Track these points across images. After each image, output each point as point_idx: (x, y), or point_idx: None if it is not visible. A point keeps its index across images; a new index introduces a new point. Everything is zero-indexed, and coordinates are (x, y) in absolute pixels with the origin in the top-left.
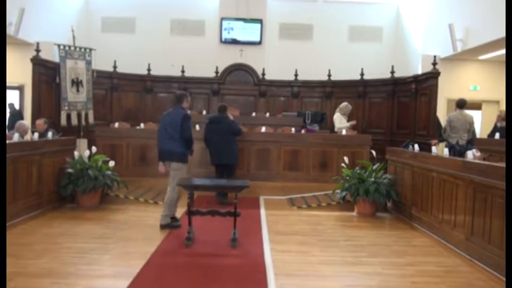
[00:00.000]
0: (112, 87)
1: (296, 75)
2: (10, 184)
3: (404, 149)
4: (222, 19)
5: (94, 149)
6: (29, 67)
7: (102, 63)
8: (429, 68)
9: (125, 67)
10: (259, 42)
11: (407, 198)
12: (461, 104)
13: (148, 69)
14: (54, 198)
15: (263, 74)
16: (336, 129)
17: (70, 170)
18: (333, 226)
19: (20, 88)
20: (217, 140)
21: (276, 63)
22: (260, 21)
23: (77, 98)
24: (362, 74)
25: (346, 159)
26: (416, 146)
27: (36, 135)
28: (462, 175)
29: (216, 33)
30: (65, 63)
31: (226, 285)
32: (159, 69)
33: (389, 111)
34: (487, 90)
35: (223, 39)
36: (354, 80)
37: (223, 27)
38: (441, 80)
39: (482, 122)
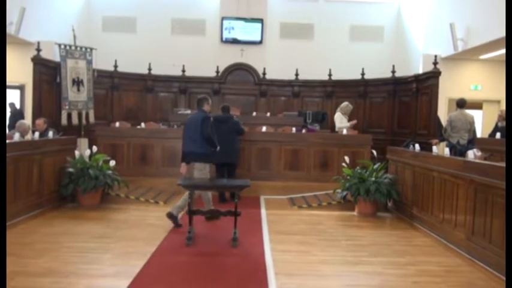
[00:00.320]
0: (113, 86)
1: (297, 74)
2: (11, 183)
3: (405, 148)
4: (222, 18)
5: (95, 148)
6: (29, 66)
7: (102, 62)
8: (430, 67)
9: (126, 66)
10: (260, 42)
11: (408, 197)
12: (462, 104)
13: (149, 69)
14: (55, 197)
15: (264, 74)
16: (336, 129)
17: (71, 170)
18: (333, 226)
19: (21, 87)
20: (223, 139)
21: (277, 63)
22: (261, 20)
23: (77, 98)
24: (363, 74)
25: (346, 158)
26: (417, 146)
27: (36, 134)
28: (463, 175)
29: (217, 33)
30: (65, 62)
31: (226, 285)
32: (160, 69)
33: (390, 110)
34: (487, 90)
35: (223, 39)
36: (354, 79)
37: (223, 27)
38: (442, 80)
39: (483, 122)
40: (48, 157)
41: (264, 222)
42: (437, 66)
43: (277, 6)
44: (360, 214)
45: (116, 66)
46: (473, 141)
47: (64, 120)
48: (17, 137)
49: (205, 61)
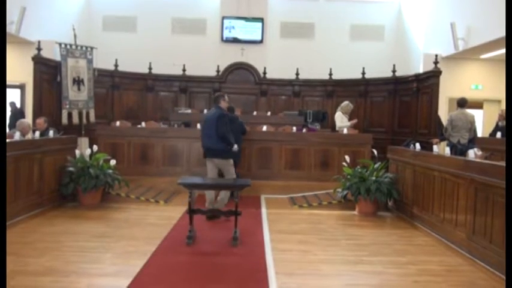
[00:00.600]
0: (113, 85)
1: (297, 74)
2: (11, 183)
3: (406, 148)
4: (223, 18)
5: (95, 147)
6: (30, 66)
7: (103, 61)
8: (431, 66)
9: (126, 66)
10: (261, 41)
11: (409, 197)
12: (462, 103)
13: (150, 68)
14: (56, 196)
15: (264, 73)
16: (337, 128)
17: (71, 169)
18: (334, 225)
19: (21, 87)
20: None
21: (277, 62)
22: (261, 19)
23: (78, 97)
24: (363, 73)
25: (347, 158)
26: (417, 145)
27: (37, 133)
28: (463, 174)
29: (217, 32)
30: (66, 61)
31: (227, 284)
32: (160, 68)
33: (390, 110)
34: (488, 89)
35: (224, 38)
36: (355, 78)
37: (224, 26)
38: (443, 79)
39: (483, 121)
40: (48, 156)
41: (264, 222)
42: (438, 65)
43: (277, 5)
44: (360, 213)
45: (116, 66)
46: (473, 141)
47: (64, 120)
48: (17, 136)
49: (205, 60)
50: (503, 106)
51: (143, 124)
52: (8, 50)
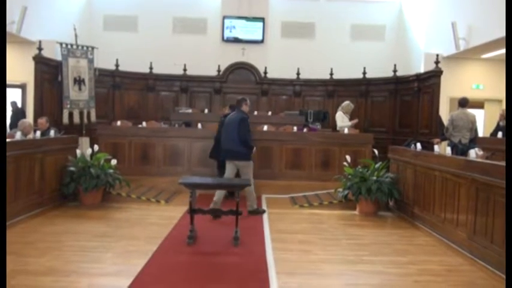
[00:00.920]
0: (114, 85)
1: (298, 73)
2: (12, 182)
3: (407, 147)
4: (224, 17)
5: (96, 147)
6: (31, 65)
7: (104, 61)
8: (432, 66)
9: (127, 65)
10: (261, 41)
11: (410, 197)
12: (464, 103)
13: (151, 68)
14: (56, 196)
15: (265, 73)
16: (338, 128)
17: (72, 168)
18: (334, 225)
19: (22, 86)
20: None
21: (278, 62)
22: (262, 19)
23: (79, 97)
24: (364, 73)
25: (348, 158)
26: (418, 145)
27: (38, 133)
28: (464, 174)
29: (218, 32)
30: (67, 61)
31: (228, 284)
32: (161, 68)
33: (391, 110)
34: (489, 89)
35: (225, 38)
36: (356, 78)
37: (225, 26)
38: (444, 79)
39: (484, 121)
40: (49, 156)
41: (265, 221)
42: (439, 65)
43: (278, 5)
44: (361, 213)
45: (117, 65)
46: (474, 141)
47: (65, 119)
48: (18, 135)
49: (206, 60)
50: (504, 106)
51: (144, 124)
52: (9, 50)
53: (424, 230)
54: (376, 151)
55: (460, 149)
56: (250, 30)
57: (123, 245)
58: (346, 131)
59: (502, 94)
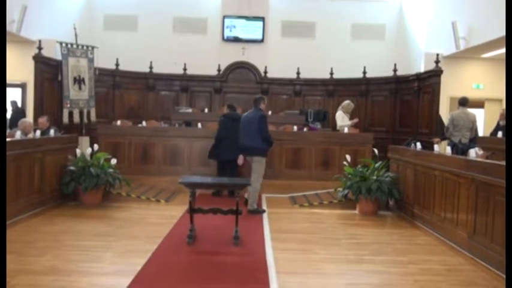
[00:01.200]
0: (114, 85)
1: (298, 73)
2: (12, 182)
3: (407, 147)
4: (224, 17)
5: (96, 146)
6: (31, 65)
7: (104, 61)
8: (432, 66)
9: (127, 65)
10: (262, 40)
11: (410, 196)
12: (464, 102)
13: (151, 67)
14: (56, 196)
15: (265, 72)
16: (338, 128)
17: (72, 168)
18: (334, 224)
19: (22, 86)
20: (233, 136)
21: (278, 61)
22: (262, 19)
23: (79, 96)
24: (364, 72)
25: (348, 157)
26: (418, 144)
27: (38, 132)
28: (465, 173)
29: (218, 31)
30: (67, 61)
31: (228, 283)
32: (161, 67)
33: (391, 109)
34: (489, 89)
35: (225, 37)
36: (356, 78)
37: (225, 25)
38: (444, 78)
39: (485, 121)
40: (49, 155)
41: (265, 221)
42: (439, 64)
43: (278, 4)
44: (361, 213)
45: (117, 65)
46: (475, 140)
47: (65, 119)
48: (18, 135)
49: (206, 59)
50: (504, 105)
51: (144, 123)
52: (9, 49)
53: (424, 229)
54: (376, 151)
55: (460, 149)
56: (250, 30)
57: (123, 245)
58: (346, 130)
59: (502, 94)
